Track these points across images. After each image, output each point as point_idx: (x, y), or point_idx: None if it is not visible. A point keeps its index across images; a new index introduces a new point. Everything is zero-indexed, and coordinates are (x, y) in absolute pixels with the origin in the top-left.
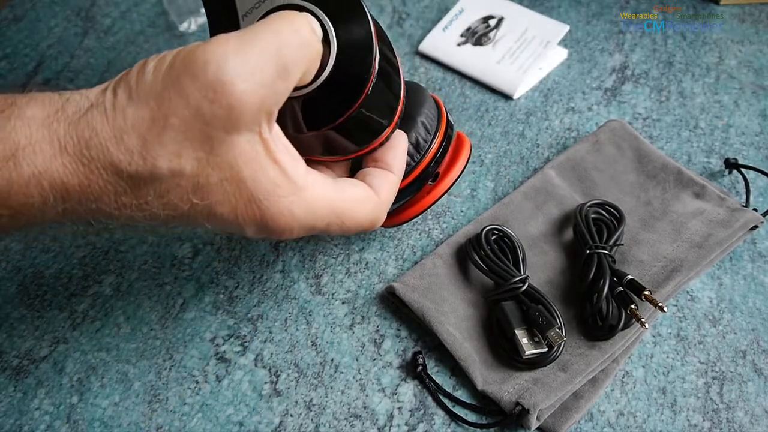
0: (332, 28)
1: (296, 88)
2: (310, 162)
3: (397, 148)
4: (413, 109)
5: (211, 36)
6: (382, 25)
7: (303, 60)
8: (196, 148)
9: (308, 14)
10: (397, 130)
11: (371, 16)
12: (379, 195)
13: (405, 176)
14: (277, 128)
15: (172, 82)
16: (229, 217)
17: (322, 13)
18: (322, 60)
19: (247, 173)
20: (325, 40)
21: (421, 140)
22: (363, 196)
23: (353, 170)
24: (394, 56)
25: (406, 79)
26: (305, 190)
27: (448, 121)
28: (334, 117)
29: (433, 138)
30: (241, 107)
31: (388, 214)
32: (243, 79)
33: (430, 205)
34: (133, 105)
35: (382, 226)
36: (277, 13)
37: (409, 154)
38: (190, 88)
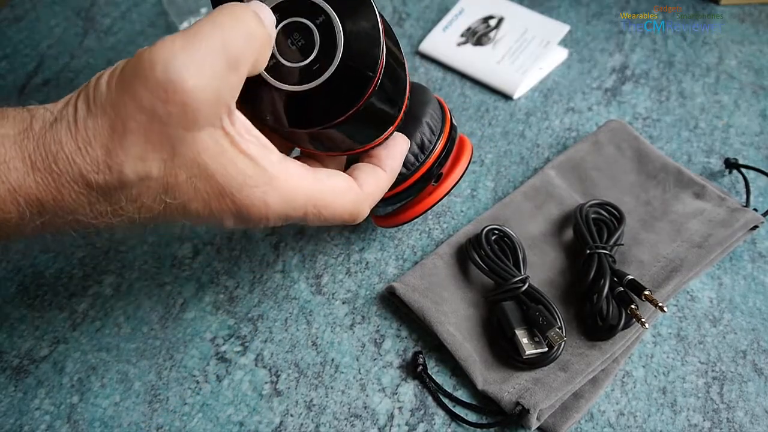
0: (339, 23)
1: (301, 83)
2: (302, 154)
3: (394, 147)
4: (418, 110)
5: None
6: None
7: (251, 50)
8: (159, 149)
9: (257, 3)
10: (399, 133)
11: (379, 12)
12: (363, 188)
13: (409, 176)
14: (243, 119)
15: (125, 89)
16: (204, 212)
17: (329, 6)
18: (327, 55)
19: (214, 168)
20: (331, 35)
21: (425, 140)
22: (343, 187)
23: (348, 165)
24: (401, 54)
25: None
26: (278, 179)
27: (452, 122)
28: (337, 114)
29: (438, 138)
30: (196, 103)
31: (390, 214)
32: (191, 74)
33: (432, 206)
34: (92, 116)
35: (383, 226)
36: (220, 6)
37: (413, 153)
38: (142, 92)
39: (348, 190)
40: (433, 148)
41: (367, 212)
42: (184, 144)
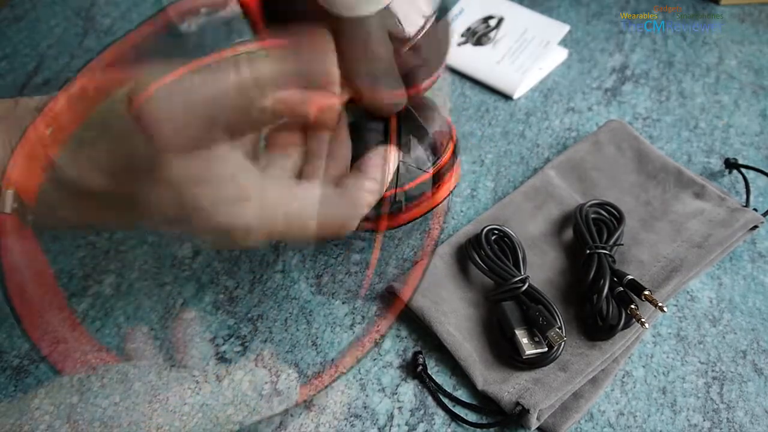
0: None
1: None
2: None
3: (384, 158)
4: (428, 121)
5: None
6: None
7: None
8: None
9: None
10: (390, 146)
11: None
12: (348, 198)
13: (412, 179)
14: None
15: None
16: (184, 228)
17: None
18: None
19: (192, 183)
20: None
21: (434, 147)
22: (327, 200)
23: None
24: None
25: None
26: (258, 196)
27: (456, 140)
28: None
29: (444, 149)
30: (165, 140)
31: (388, 214)
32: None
33: (429, 211)
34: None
35: (383, 227)
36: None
37: (421, 159)
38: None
39: (335, 203)
40: (439, 158)
41: (355, 225)
42: (163, 162)
